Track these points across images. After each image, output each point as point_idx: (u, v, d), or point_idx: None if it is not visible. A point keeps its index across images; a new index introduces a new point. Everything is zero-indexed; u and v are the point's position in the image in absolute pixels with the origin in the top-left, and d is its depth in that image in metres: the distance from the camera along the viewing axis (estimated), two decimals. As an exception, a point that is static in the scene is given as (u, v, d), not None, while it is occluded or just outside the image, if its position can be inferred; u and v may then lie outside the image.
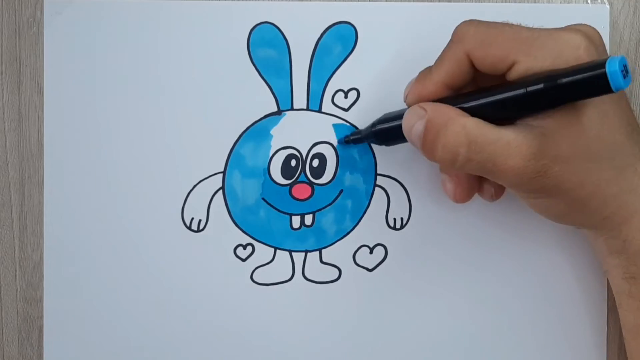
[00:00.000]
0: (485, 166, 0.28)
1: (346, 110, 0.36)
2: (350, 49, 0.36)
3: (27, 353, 0.36)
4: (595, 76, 0.25)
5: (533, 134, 0.28)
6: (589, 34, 0.28)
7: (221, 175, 0.36)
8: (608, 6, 0.37)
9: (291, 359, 0.36)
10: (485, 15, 0.36)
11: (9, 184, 0.36)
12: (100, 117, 0.36)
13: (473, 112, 0.29)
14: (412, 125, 0.30)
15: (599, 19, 0.36)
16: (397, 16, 0.36)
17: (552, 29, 0.29)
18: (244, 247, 0.36)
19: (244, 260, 0.36)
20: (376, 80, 0.36)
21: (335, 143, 0.36)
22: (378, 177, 0.36)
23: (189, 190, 0.36)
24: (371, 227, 0.36)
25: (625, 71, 0.25)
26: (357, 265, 0.36)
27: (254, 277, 0.36)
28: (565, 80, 0.26)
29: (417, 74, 0.32)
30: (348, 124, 0.36)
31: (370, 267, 0.36)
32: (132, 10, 0.36)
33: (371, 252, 0.36)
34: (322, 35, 0.36)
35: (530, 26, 0.30)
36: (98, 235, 0.36)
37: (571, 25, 0.30)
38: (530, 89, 0.27)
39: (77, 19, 0.36)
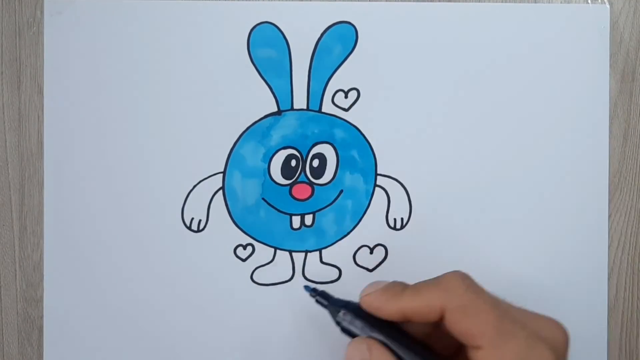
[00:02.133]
0: None
1: (346, 110, 0.36)
2: (350, 49, 0.36)
3: (27, 353, 0.36)
4: None
5: None
6: (560, 353, 0.28)
7: (221, 175, 0.36)
8: (608, 6, 0.36)
9: (291, 359, 0.36)
10: (484, 15, 0.36)
11: (9, 184, 0.36)
12: (100, 117, 0.36)
13: None
14: (351, 358, 0.29)
15: (599, 19, 0.36)
16: (397, 16, 0.36)
17: (534, 329, 0.28)
18: (244, 247, 0.36)
19: (244, 260, 0.36)
20: (376, 80, 0.36)
21: (335, 143, 0.36)
22: (378, 177, 0.36)
23: (189, 190, 0.36)
24: (371, 227, 0.36)
25: None
26: (358, 265, 0.36)
27: (254, 277, 0.36)
28: None
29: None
30: (348, 124, 0.36)
31: (370, 267, 0.36)
32: (132, 10, 0.36)
33: (371, 252, 0.36)
34: (322, 35, 0.36)
35: (523, 309, 0.29)
36: (98, 235, 0.36)
37: (550, 324, 0.29)
38: None
39: (77, 19, 0.36)
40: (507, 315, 0.27)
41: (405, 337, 0.29)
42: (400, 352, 0.28)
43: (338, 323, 0.30)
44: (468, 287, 0.28)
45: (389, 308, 0.29)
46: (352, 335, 0.30)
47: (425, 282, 0.29)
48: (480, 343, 0.27)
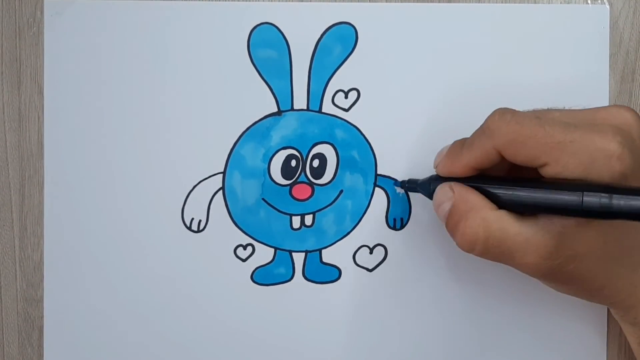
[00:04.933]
0: (502, 258, 0.30)
1: (346, 110, 0.36)
2: (350, 49, 0.36)
3: (27, 353, 0.36)
4: None
5: (552, 232, 0.28)
6: (627, 133, 0.28)
7: (221, 175, 0.36)
8: (608, 6, 0.36)
9: (291, 359, 0.36)
10: (484, 15, 0.36)
11: (9, 184, 0.36)
12: (100, 117, 0.36)
13: (500, 202, 0.29)
14: (439, 204, 0.31)
15: (599, 19, 0.36)
16: (397, 16, 0.36)
17: (589, 124, 0.28)
18: (244, 247, 0.36)
19: (244, 260, 0.36)
20: (376, 80, 0.36)
21: (335, 143, 0.36)
22: (378, 177, 0.36)
23: (189, 190, 0.36)
24: (371, 227, 0.36)
25: None
26: (357, 265, 0.36)
27: (254, 277, 0.36)
28: (621, 205, 0.26)
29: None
30: (348, 124, 0.36)
31: (370, 267, 0.36)
32: (132, 11, 0.36)
33: (371, 252, 0.36)
34: (322, 35, 0.36)
35: (578, 110, 0.29)
36: (98, 235, 0.36)
37: (611, 111, 0.29)
38: (585, 205, 0.26)
39: (77, 19, 0.36)
40: (556, 125, 0.28)
41: (486, 177, 0.31)
42: (482, 185, 0.30)
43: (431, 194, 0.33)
44: (509, 121, 0.29)
45: (457, 168, 0.31)
46: None
47: (475, 132, 0.30)
48: (543, 161, 0.28)
